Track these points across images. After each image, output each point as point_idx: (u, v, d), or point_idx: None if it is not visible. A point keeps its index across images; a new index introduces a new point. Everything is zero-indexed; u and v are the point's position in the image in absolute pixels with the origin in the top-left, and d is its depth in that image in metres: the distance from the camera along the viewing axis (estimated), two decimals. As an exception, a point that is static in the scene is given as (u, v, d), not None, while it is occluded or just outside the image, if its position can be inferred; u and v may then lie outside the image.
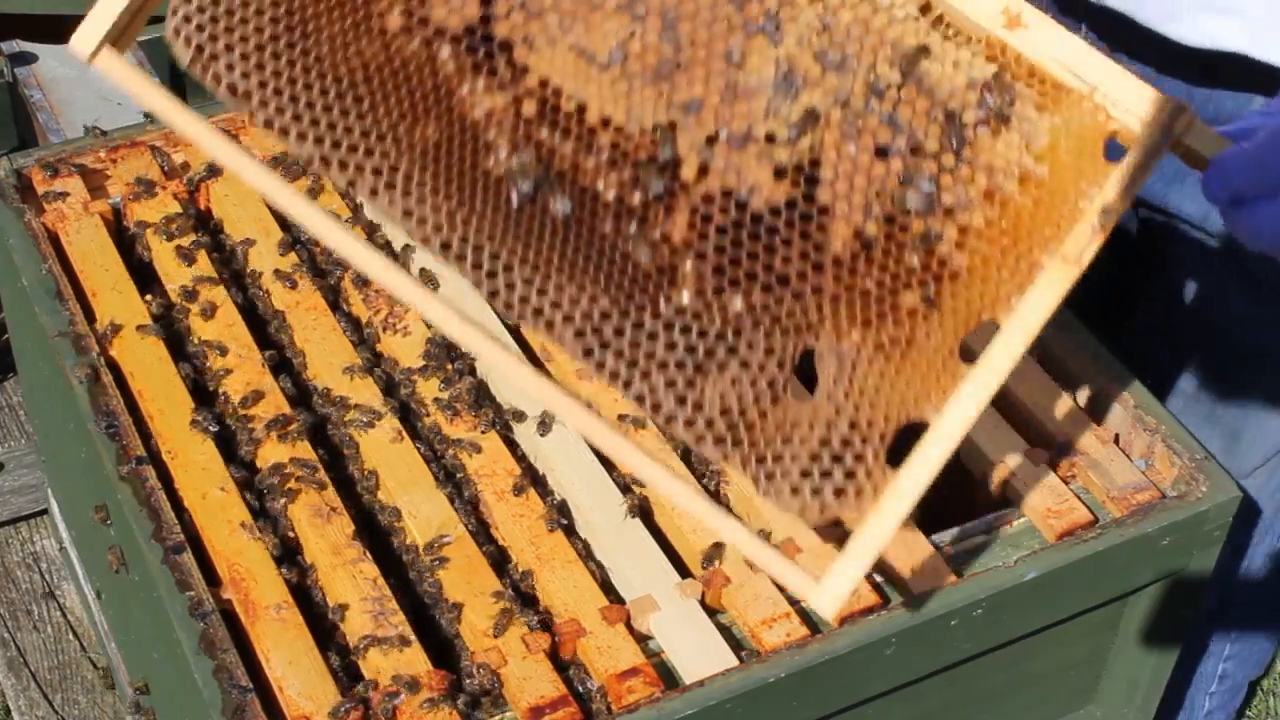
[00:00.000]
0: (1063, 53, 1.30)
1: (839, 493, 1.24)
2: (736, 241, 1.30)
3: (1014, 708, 1.77)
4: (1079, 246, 1.26)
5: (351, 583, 1.55)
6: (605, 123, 1.32)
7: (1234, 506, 1.68)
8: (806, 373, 1.30)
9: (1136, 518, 1.65)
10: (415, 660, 1.49)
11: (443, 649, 1.55)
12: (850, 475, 1.24)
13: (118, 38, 1.28)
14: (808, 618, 1.55)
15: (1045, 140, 1.31)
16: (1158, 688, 1.84)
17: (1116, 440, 1.73)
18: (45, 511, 2.47)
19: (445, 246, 1.26)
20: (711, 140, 1.32)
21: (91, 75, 2.67)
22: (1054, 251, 1.26)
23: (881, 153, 1.32)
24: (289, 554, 1.59)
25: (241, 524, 1.59)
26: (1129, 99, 1.29)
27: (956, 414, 1.24)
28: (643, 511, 1.65)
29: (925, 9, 1.32)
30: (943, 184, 1.31)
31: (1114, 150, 1.30)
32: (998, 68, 1.32)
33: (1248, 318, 1.90)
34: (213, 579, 1.54)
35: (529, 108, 1.32)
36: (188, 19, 1.27)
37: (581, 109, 1.32)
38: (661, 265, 1.30)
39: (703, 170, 1.32)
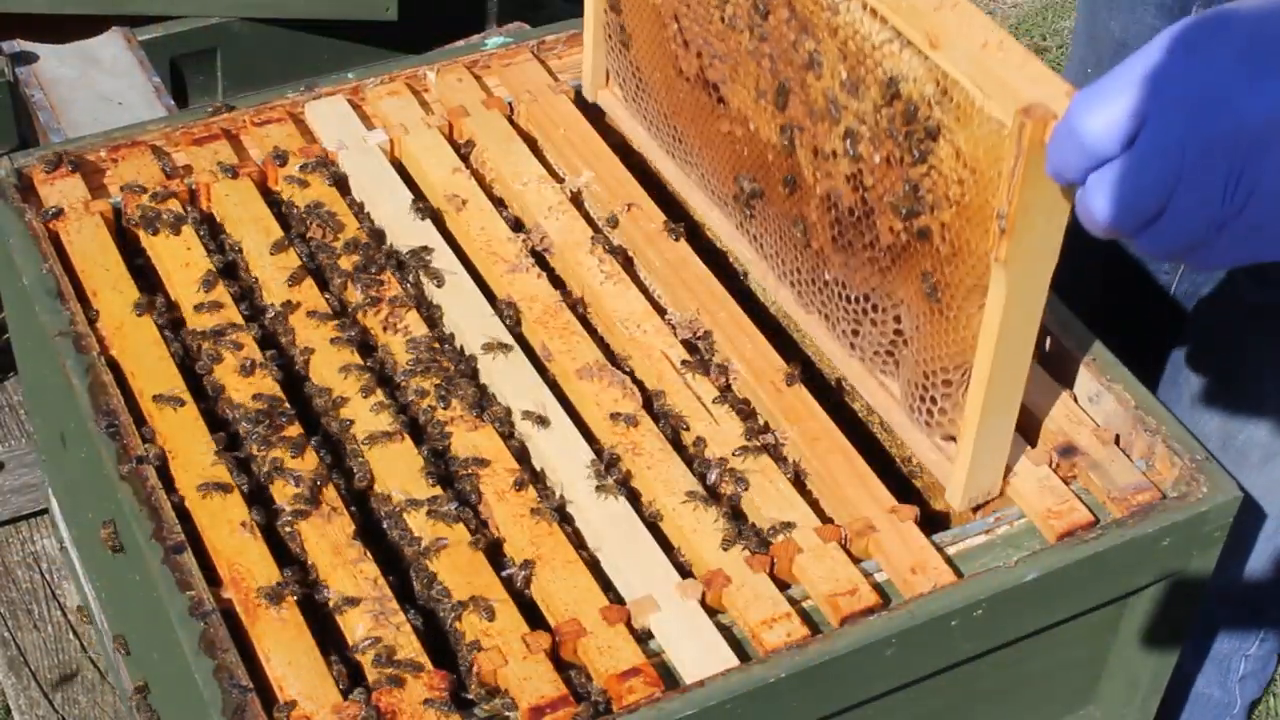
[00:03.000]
0: (970, 67, 1.44)
1: (929, 421, 1.66)
2: (844, 231, 1.67)
3: (1014, 708, 1.77)
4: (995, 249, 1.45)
5: (352, 582, 1.55)
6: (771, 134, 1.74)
7: (1234, 507, 1.67)
8: None
9: (1137, 518, 1.65)
10: (415, 660, 1.49)
11: (443, 649, 1.55)
12: (932, 410, 1.65)
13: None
14: (808, 618, 1.56)
15: (968, 150, 1.46)
16: (1158, 688, 1.83)
17: (1117, 440, 1.73)
18: (45, 511, 2.47)
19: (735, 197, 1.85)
20: (815, 153, 1.66)
21: (91, 75, 2.68)
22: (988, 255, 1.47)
23: (888, 162, 1.54)
24: (289, 554, 1.59)
25: (241, 524, 1.59)
26: (1000, 110, 1.41)
27: (983, 349, 1.53)
28: (643, 511, 1.65)
29: (880, 19, 1.52)
30: (924, 186, 1.53)
31: None
32: (935, 82, 1.48)
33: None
34: (213, 579, 1.55)
35: (739, 129, 1.79)
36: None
37: (758, 129, 1.76)
38: (814, 243, 1.73)
39: (812, 178, 1.68)
